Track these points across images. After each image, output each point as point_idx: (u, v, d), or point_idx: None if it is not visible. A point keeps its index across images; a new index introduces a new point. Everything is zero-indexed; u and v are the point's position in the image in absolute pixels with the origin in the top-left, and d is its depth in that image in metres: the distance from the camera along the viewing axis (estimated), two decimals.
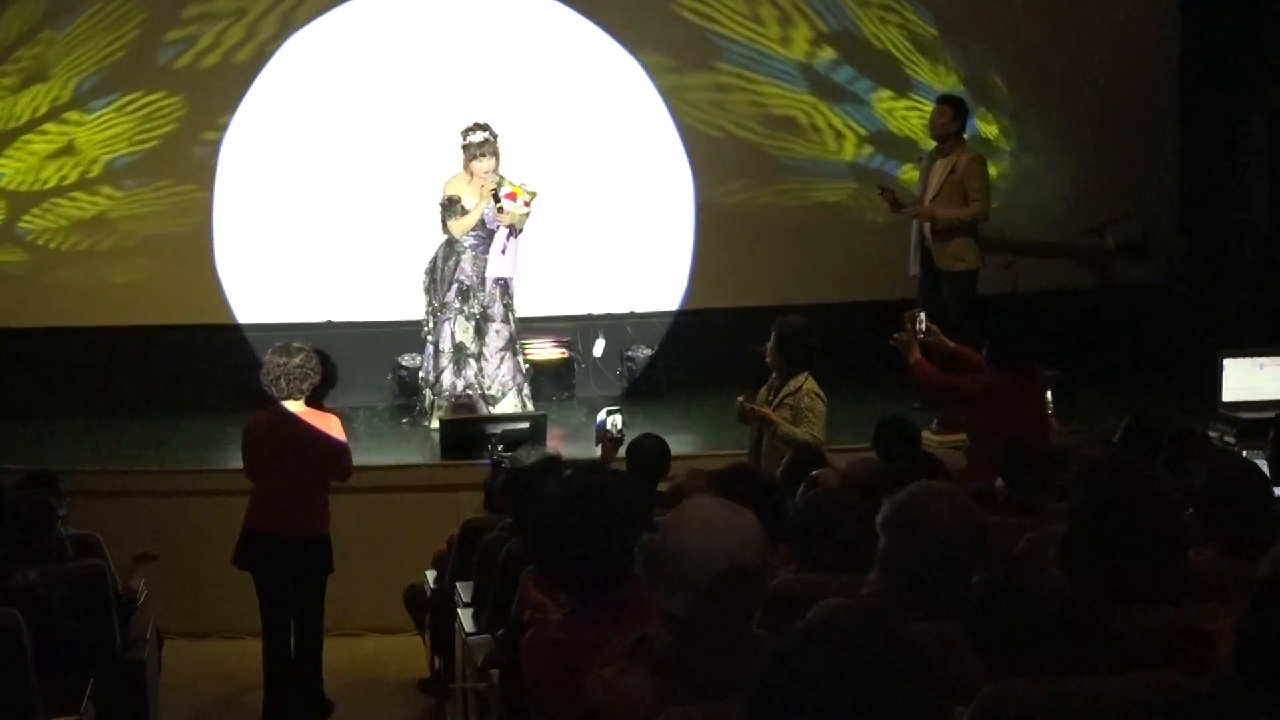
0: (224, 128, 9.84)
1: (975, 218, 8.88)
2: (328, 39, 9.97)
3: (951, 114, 8.97)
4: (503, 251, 8.80)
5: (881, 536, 3.66)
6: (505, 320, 8.97)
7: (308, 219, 9.94)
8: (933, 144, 9.22)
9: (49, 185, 9.78)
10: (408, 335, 9.48)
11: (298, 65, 9.94)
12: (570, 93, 10.15)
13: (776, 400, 6.84)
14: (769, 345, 6.88)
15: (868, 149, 10.49)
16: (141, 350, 9.78)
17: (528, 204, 8.68)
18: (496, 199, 8.66)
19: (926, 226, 8.91)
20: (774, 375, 6.93)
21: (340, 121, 9.93)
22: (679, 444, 7.51)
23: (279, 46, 9.88)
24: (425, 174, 9.17)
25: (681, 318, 10.38)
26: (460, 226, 8.78)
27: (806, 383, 6.82)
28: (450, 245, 8.89)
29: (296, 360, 6.49)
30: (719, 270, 10.34)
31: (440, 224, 8.87)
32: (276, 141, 9.93)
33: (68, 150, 9.78)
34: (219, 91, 9.83)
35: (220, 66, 9.82)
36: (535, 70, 10.08)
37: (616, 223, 10.24)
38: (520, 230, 8.79)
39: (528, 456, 5.68)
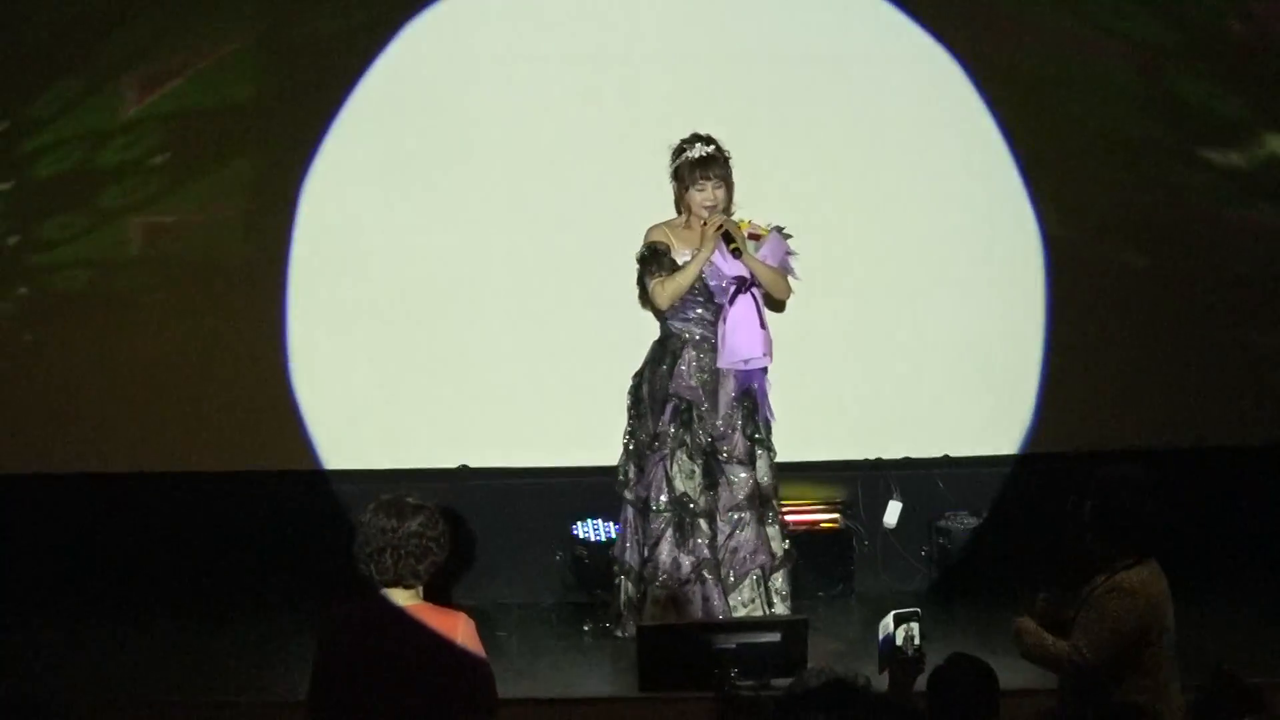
0: (300, 177, 10.06)
1: None
2: (454, 38, 10.12)
3: None
4: (730, 302, 8.76)
5: None
6: (748, 460, 8.93)
7: (427, 311, 10.10)
8: None
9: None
10: (591, 491, 9.58)
11: (406, 76, 10.11)
12: (840, 104, 10.21)
13: (1085, 596, 6.73)
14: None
15: None
16: (173, 510, 9.97)
17: (754, 237, 8.77)
18: (730, 240, 8.68)
19: None
20: None
21: (478, 158, 10.09)
22: (1014, 673, 7.36)
23: (375, 57, 10.07)
24: (618, 235, 9.21)
25: (1024, 466, 10.35)
26: (668, 291, 8.77)
27: (1129, 575, 6.65)
28: (663, 343, 8.93)
29: (414, 525, 6.46)
30: (1083, 394, 10.33)
31: (639, 289, 8.93)
32: (376, 196, 10.10)
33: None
34: (291, 129, 10.08)
35: (294, 92, 10.07)
36: (787, 75, 10.16)
37: (918, 316, 10.28)
38: (780, 297, 8.83)
39: (810, 680, 5.64)
